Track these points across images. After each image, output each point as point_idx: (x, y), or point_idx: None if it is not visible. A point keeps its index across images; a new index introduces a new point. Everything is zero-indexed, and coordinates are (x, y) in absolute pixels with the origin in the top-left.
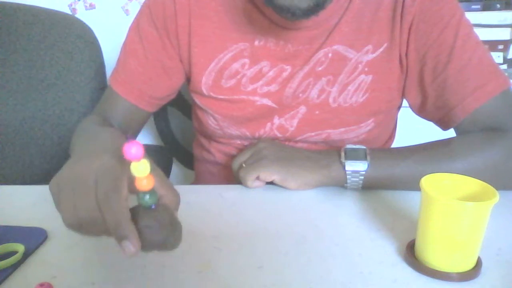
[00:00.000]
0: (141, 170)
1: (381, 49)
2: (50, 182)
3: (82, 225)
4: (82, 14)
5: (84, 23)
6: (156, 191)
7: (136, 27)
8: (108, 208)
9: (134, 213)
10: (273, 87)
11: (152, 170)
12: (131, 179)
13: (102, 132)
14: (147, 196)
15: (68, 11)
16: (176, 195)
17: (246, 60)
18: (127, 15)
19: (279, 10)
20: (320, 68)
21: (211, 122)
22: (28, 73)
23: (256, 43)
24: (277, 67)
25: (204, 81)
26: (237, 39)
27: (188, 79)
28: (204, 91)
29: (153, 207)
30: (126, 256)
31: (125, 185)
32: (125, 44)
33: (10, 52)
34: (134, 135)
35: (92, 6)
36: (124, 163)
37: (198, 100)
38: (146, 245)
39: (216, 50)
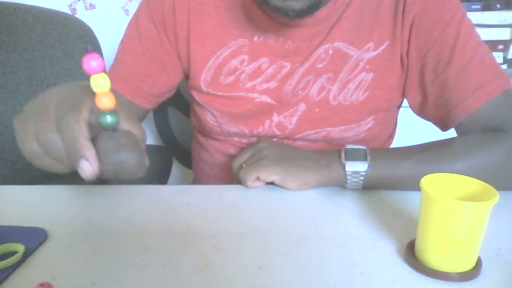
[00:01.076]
0: (101, 84)
1: (382, 47)
2: (14, 120)
3: (43, 152)
4: (82, 14)
5: (84, 23)
6: (117, 113)
7: (134, 24)
8: (65, 127)
9: (94, 136)
10: (272, 84)
11: (120, 107)
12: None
13: None
14: (107, 116)
15: (68, 11)
16: (141, 131)
17: (245, 57)
18: (127, 15)
19: (273, 10)
20: (320, 65)
21: (209, 119)
22: (28, 73)
23: (256, 39)
24: (276, 64)
25: (203, 78)
26: (236, 35)
27: (187, 76)
28: (203, 88)
29: (114, 129)
30: (85, 177)
31: (84, 107)
32: (123, 40)
33: (10, 52)
34: None
35: (92, 6)
36: (85, 89)
37: (196, 96)
38: (104, 167)
39: (215, 46)
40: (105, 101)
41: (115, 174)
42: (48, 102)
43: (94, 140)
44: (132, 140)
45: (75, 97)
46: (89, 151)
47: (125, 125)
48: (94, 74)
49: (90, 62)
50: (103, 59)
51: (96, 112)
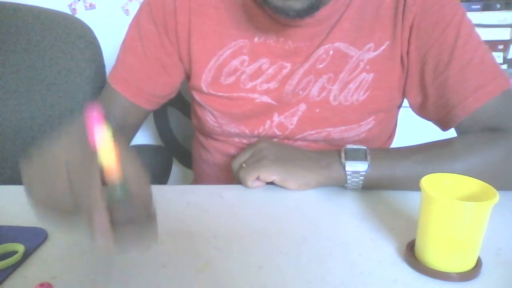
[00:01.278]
0: (107, 150)
1: (383, 47)
2: (21, 165)
3: (50, 205)
4: (82, 14)
5: (84, 23)
6: (127, 184)
7: (136, 24)
8: (83, 194)
9: (107, 208)
10: (272, 85)
11: (126, 161)
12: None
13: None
14: (118, 191)
15: (68, 11)
16: (149, 189)
17: (245, 57)
18: (127, 15)
19: (274, 10)
20: (321, 66)
21: (209, 119)
22: (28, 73)
23: (256, 40)
24: (276, 64)
25: (204, 78)
26: (236, 35)
27: (188, 76)
28: (204, 88)
29: (124, 200)
30: (100, 248)
31: (97, 171)
32: (124, 41)
33: (10, 52)
34: (133, 132)
35: (92, 6)
36: (94, 153)
37: (197, 96)
38: (117, 234)
39: (215, 47)
40: (114, 176)
41: (127, 239)
42: (58, 156)
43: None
44: (143, 206)
45: (88, 160)
46: (105, 220)
47: (134, 185)
48: (96, 124)
49: (92, 112)
50: (102, 111)
51: (106, 185)
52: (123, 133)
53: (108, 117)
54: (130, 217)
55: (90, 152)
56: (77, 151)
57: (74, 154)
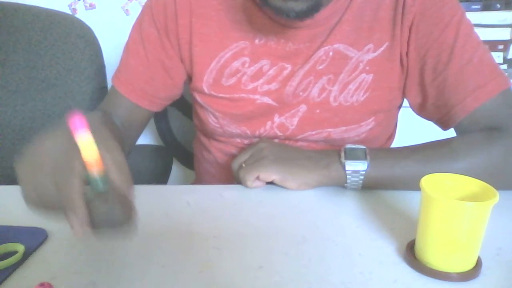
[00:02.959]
0: (88, 146)
1: (382, 48)
2: (14, 165)
3: (41, 204)
4: (82, 14)
5: (84, 23)
6: (108, 176)
7: (138, 27)
8: (63, 188)
9: (87, 196)
10: (273, 86)
11: (107, 152)
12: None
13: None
14: (99, 182)
15: (68, 11)
16: (128, 179)
17: (246, 59)
18: (127, 15)
19: (274, 11)
20: (320, 67)
21: (211, 120)
22: (28, 73)
23: (257, 41)
24: (277, 66)
25: (205, 80)
26: (237, 37)
27: (190, 78)
28: (205, 90)
29: (105, 192)
30: (74, 234)
31: (78, 165)
32: (127, 43)
33: (10, 52)
34: (138, 132)
35: (92, 6)
36: (77, 148)
37: (198, 98)
38: (96, 226)
39: (217, 49)
40: (95, 170)
41: (106, 230)
42: (44, 156)
43: (86, 196)
44: (122, 197)
45: (69, 156)
46: (82, 213)
47: (113, 175)
48: (78, 132)
49: (73, 120)
50: (84, 117)
51: (87, 176)
52: (128, 133)
53: (114, 118)
54: (110, 208)
55: (74, 148)
56: (62, 148)
57: (60, 150)
